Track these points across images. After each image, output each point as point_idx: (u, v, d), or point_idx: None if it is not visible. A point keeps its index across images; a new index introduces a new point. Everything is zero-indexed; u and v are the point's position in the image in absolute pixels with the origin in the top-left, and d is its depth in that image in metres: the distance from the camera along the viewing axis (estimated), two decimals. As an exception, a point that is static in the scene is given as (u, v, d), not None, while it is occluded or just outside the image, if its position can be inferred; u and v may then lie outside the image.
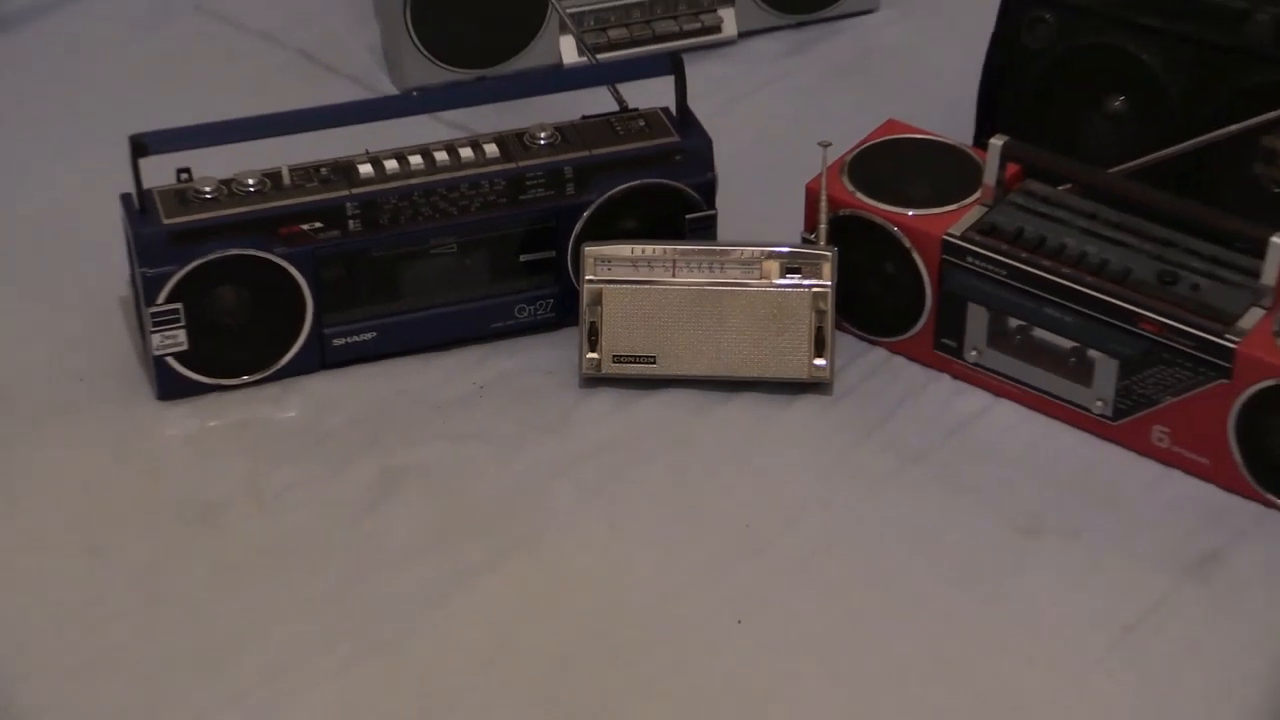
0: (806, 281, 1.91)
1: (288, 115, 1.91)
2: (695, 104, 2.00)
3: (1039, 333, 1.89)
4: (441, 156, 1.94)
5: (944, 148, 1.99)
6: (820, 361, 1.92)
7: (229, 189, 1.90)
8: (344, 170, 1.92)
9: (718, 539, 1.80)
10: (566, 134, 1.97)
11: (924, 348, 1.95)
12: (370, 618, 1.73)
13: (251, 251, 1.88)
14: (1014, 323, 1.90)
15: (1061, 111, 2.04)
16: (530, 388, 1.95)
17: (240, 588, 1.76)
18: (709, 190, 1.99)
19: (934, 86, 2.27)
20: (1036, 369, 1.90)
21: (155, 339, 1.89)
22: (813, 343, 1.91)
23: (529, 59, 2.32)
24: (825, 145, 1.93)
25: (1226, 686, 1.66)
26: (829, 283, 1.91)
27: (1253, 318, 1.79)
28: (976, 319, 1.91)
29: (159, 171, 1.88)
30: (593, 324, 1.92)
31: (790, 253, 1.92)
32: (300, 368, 1.95)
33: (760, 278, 1.91)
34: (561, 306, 1.99)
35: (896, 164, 1.97)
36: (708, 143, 1.98)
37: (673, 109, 1.99)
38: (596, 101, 2.04)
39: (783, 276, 1.91)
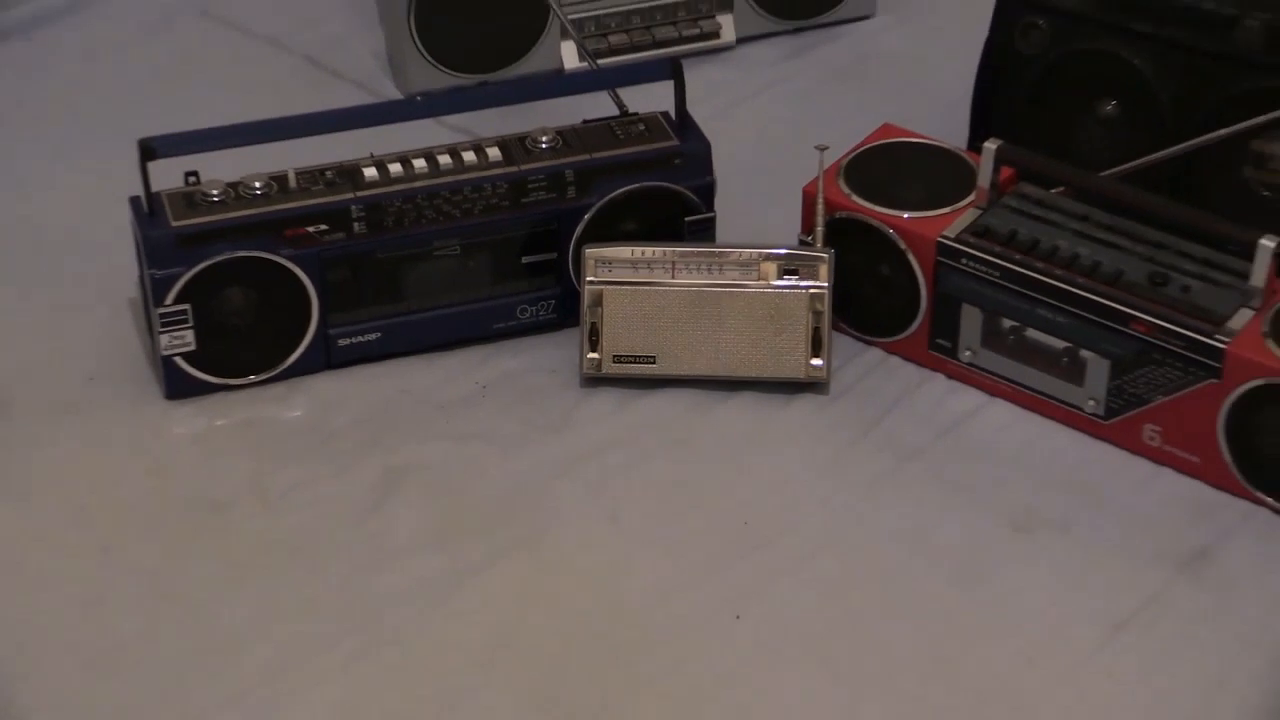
0: (804, 283, 1.92)
1: (294, 119, 1.91)
2: (694, 108, 2.00)
3: (1032, 333, 1.89)
4: (445, 160, 1.94)
5: (939, 151, 1.99)
6: (817, 361, 1.92)
7: (236, 192, 1.90)
8: (349, 174, 1.92)
9: (717, 537, 1.80)
10: (568, 138, 1.97)
11: (919, 348, 1.96)
12: (372, 616, 1.73)
13: (258, 253, 1.88)
14: (1007, 323, 1.90)
15: (1055, 116, 2.04)
16: (532, 387, 1.95)
17: (244, 586, 1.76)
18: (708, 193, 1.99)
19: (929, 91, 2.27)
20: (1030, 369, 1.90)
21: (163, 339, 1.89)
22: (810, 343, 1.92)
23: (531, 64, 2.32)
24: (822, 149, 1.94)
25: (1219, 681, 1.67)
26: (826, 284, 1.91)
27: (1242, 319, 1.79)
28: (971, 320, 1.91)
29: (167, 175, 1.89)
30: (593, 325, 1.92)
31: (788, 254, 1.92)
32: (306, 367, 1.95)
33: (758, 279, 1.92)
34: (563, 307, 1.99)
35: (892, 167, 1.97)
36: (706, 146, 1.98)
37: (672, 113, 2.00)
38: (597, 106, 2.04)
39: (780, 278, 1.92)
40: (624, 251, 1.93)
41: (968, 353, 1.93)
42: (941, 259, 1.90)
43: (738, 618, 1.72)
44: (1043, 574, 1.77)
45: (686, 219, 1.99)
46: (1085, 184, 1.92)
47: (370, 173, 1.93)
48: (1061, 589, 1.75)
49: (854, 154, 1.99)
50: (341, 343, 1.96)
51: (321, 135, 1.91)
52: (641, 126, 2.00)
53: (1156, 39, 1.97)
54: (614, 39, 2.35)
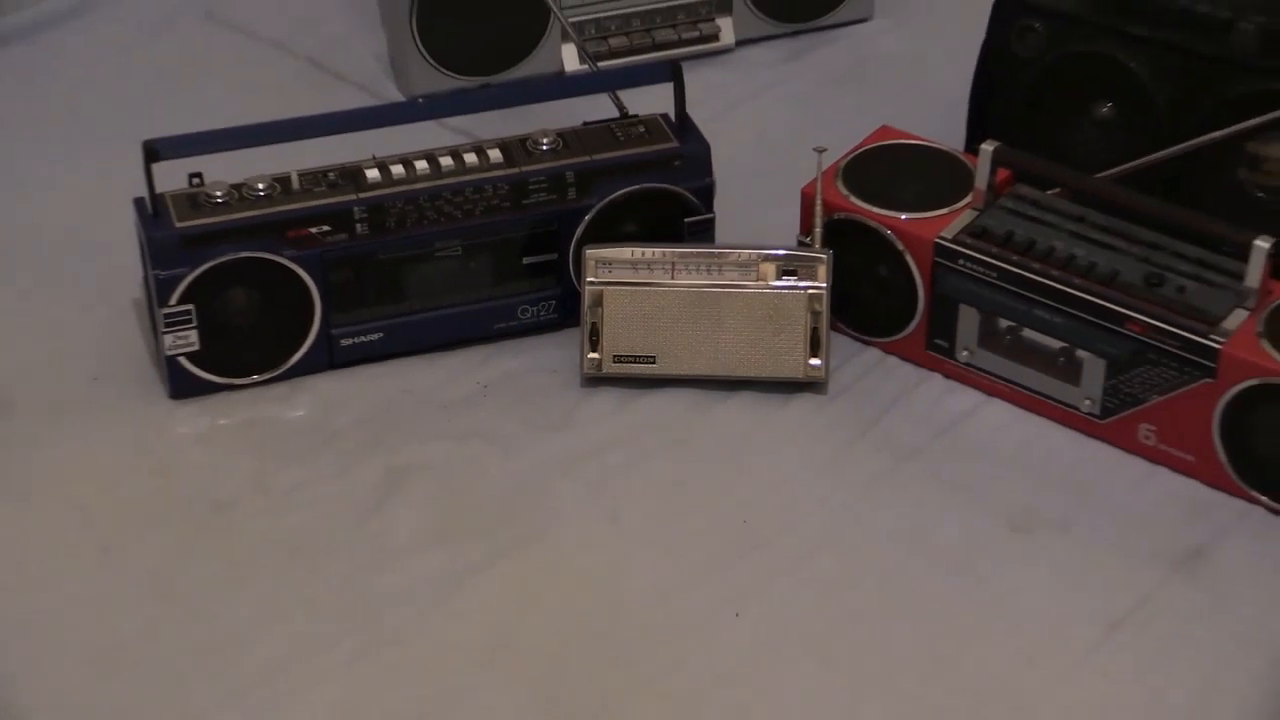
0: (802, 283, 1.92)
1: (297, 121, 1.91)
2: (694, 110, 2.01)
3: (1029, 333, 1.89)
4: (446, 161, 1.94)
5: (936, 153, 2.00)
6: (816, 361, 1.92)
7: (239, 193, 1.90)
8: (351, 175, 1.93)
9: (716, 536, 1.80)
10: (568, 139, 1.97)
11: (917, 348, 1.96)
12: (373, 616, 1.72)
13: (261, 254, 1.89)
14: (1004, 323, 1.90)
15: (1051, 118, 2.04)
16: (533, 387, 1.95)
17: (246, 585, 1.75)
18: (707, 194, 2.00)
19: (927, 93, 2.26)
20: (1026, 369, 1.90)
21: (167, 339, 1.89)
22: (808, 343, 1.92)
23: (532, 66, 2.32)
24: (820, 151, 1.94)
25: (1214, 680, 1.67)
26: (824, 284, 1.92)
27: (1237, 319, 1.80)
28: (968, 320, 1.92)
29: (171, 176, 1.89)
30: (594, 325, 1.93)
31: (786, 255, 1.93)
32: (308, 367, 1.95)
33: (757, 280, 1.92)
34: (564, 308, 2.00)
35: (890, 169, 1.97)
36: (706, 148, 1.99)
37: (672, 115, 2.00)
38: (597, 108, 2.04)
39: (779, 278, 1.92)
40: (624, 252, 1.93)
41: (965, 353, 1.94)
42: (939, 260, 1.91)
43: (737, 615, 1.73)
44: (1040, 573, 1.77)
45: (686, 220, 2.00)
46: (1081, 185, 1.93)
47: (372, 174, 1.93)
48: (1059, 588, 1.75)
49: (852, 156, 2.00)
50: (344, 343, 1.96)
51: (324, 137, 1.91)
52: (641, 128, 2.00)
53: (1152, 42, 1.97)
54: (614, 41, 2.35)
